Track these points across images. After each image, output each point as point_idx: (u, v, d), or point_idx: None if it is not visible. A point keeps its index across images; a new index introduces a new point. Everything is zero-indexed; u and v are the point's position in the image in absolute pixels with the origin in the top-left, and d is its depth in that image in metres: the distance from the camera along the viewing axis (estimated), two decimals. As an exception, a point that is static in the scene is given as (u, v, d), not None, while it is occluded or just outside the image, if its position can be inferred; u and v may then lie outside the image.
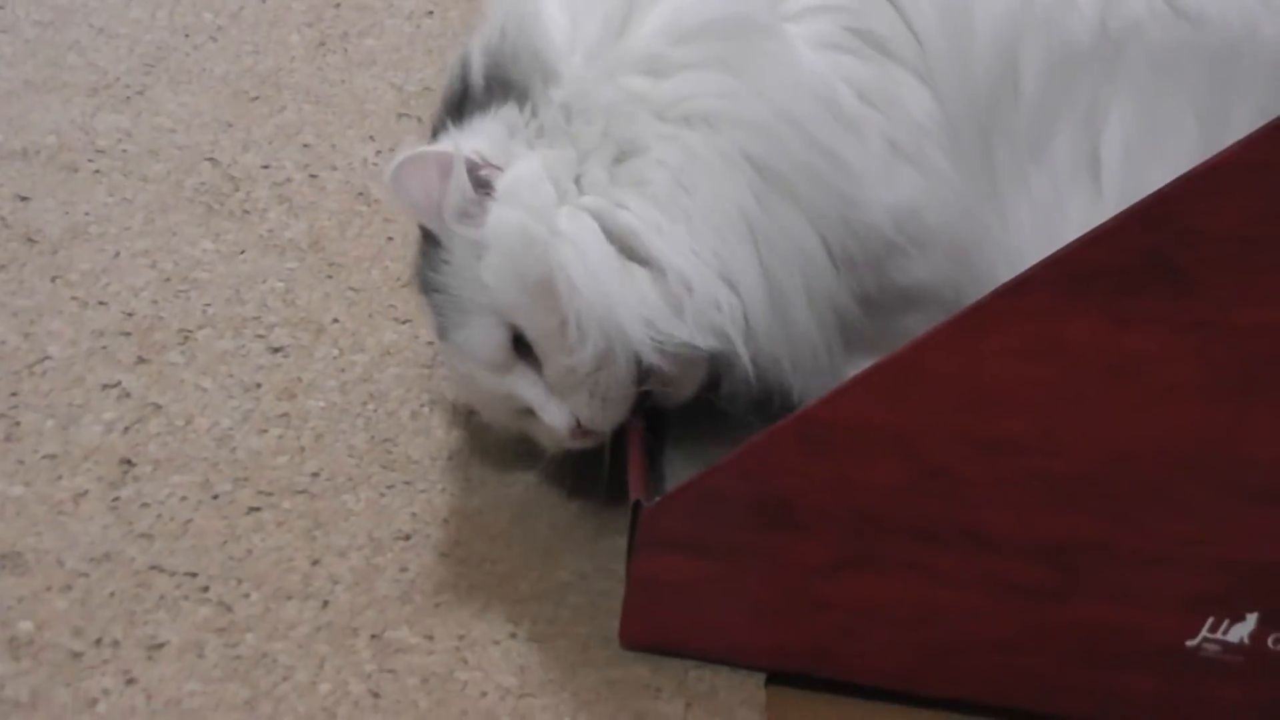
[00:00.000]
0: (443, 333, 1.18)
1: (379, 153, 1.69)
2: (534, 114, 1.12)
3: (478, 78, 1.15)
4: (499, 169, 1.11)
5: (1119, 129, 1.15)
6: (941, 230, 1.14)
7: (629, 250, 1.08)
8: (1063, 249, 0.97)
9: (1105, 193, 1.15)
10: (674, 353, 1.08)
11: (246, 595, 1.14)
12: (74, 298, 1.41)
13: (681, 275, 1.07)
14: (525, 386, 1.16)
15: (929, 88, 1.13)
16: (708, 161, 1.08)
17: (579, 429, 1.16)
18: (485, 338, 1.14)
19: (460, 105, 1.16)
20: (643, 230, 1.08)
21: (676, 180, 1.08)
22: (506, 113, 1.13)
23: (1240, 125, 1.12)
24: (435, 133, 1.18)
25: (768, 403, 1.13)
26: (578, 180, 1.10)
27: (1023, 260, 1.02)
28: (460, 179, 1.10)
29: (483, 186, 1.11)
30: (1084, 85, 1.14)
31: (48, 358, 1.33)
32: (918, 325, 1.04)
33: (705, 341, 1.07)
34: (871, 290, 1.15)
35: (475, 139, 1.13)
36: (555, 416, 1.15)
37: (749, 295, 1.08)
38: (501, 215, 1.10)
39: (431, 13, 2.01)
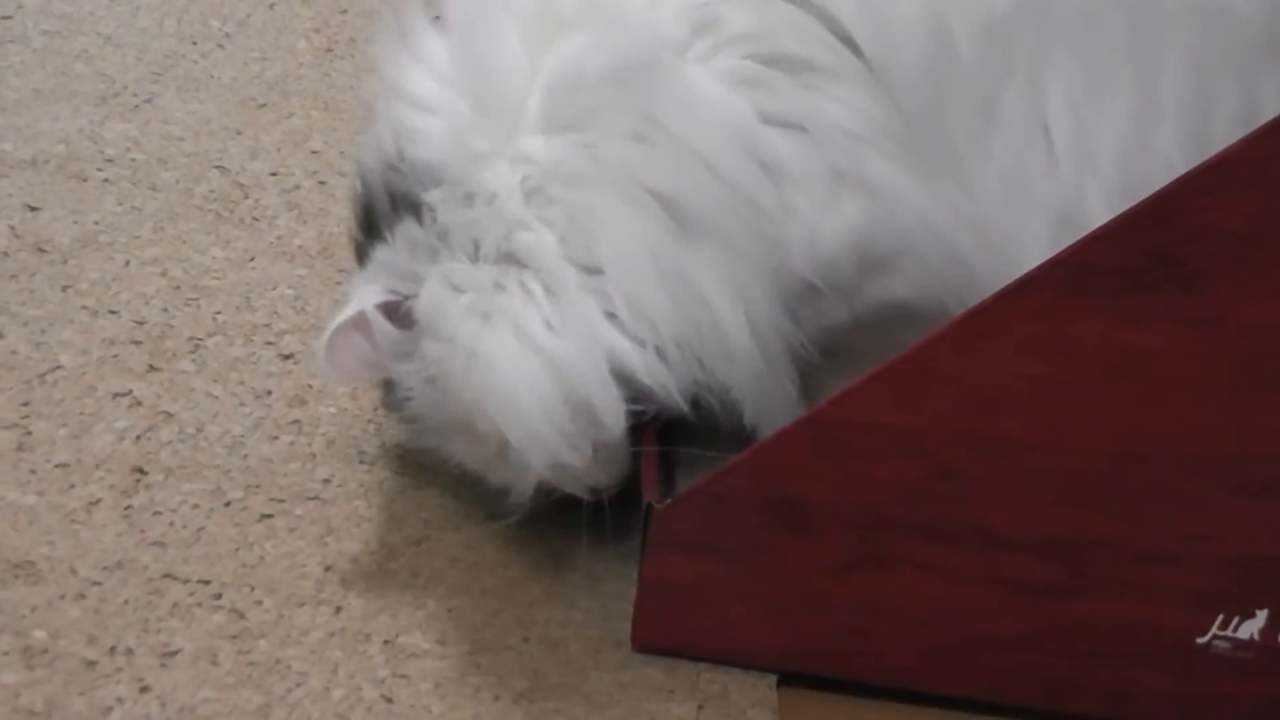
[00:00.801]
0: (427, 440, 1.18)
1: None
2: (434, 219, 1.09)
3: (380, 194, 1.13)
4: (416, 296, 1.10)
5: (1061, 89, 1.12)
6: (903, 245, 1.12)
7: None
8: (1067, 248, 0.97)
9: (1059, 155, 1.12)
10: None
11: (259, 602, 1.14)
12: (84, 306, 1.41)
13: (574, 390, 1.06)
14: None
15: (863, 89, 1.10)
16: (605, 209, 1.06)
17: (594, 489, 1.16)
18: (472, 447, 1.15)
19: (371, 224, 1.14)
20: (536, 332, 1.06)
21: (562, 249, 1.07)
22: (405, 229, 1.11)
23: (1174, 75, 1.12)
24: (359, 256, 1.17)
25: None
26: (476, 278, 1.08)
27: (996, 230, 1.02)
28: (383, 330, 1.10)
29: (408, 321, 1.10)
30: (1019, 45, 1.11)
31: (59, 367, 1.34)
32: (912, 338, 1.03)
33: (625, 420, 1.09)
34: (850, 312, 1.14)
35: (380, 276, 1.11)
36: (568, 487, 1.15)
37: (670, 334, 1.07)
38: (431, 350, 1.10)
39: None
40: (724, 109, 1.08)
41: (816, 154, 1.09)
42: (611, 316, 1.07)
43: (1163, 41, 1.13)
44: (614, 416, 1.08)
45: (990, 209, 1.11)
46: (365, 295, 1.11)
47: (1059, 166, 1.12)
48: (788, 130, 1.09)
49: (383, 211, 1.12)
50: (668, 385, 1.08)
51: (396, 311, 1.10)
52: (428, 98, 1.12)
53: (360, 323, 1.10)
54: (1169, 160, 1.10)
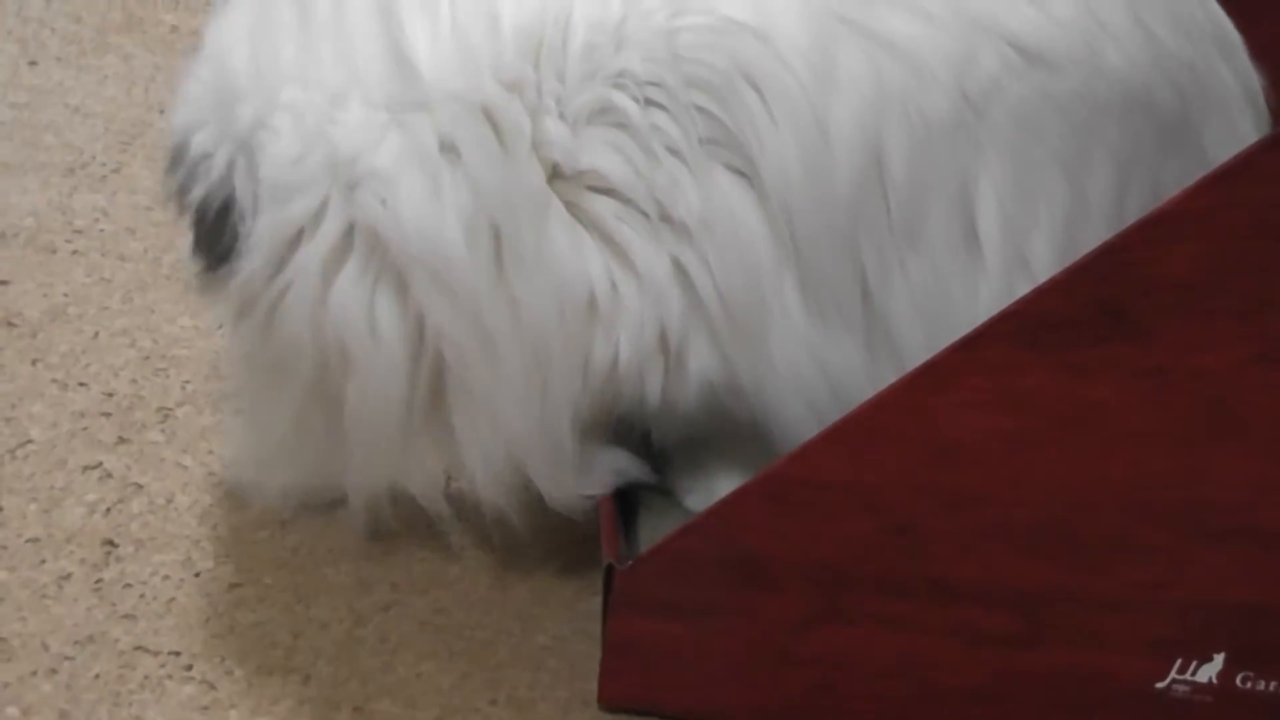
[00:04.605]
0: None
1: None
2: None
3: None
4: None
5: (993, 198, 1.09)
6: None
7: None
8: (1015, 302, 0.99)
9: (989, 265, 1.10)
10: None
11: (230, 672, 1.15)
12: (54, 380, 1.42)
13: None
14: None
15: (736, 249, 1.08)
16: None
17: None
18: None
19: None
20: None
21: None
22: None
23: (1100, 169, 1.11)
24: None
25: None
26: None
27: (907, 351, 1.04)
28: None
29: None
30: (952, 158, 1.08)
31: (29, 441, 1.35)
32: None
33: None
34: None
35: None
36: None
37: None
38: None
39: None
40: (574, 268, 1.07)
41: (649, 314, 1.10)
42: None
43: (1089, 133, 1.10)
44: None
45: (896, 331, 1.11)
46: None
47: (989, 278, 1.10)
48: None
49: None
50: None
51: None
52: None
53: None
54: None
